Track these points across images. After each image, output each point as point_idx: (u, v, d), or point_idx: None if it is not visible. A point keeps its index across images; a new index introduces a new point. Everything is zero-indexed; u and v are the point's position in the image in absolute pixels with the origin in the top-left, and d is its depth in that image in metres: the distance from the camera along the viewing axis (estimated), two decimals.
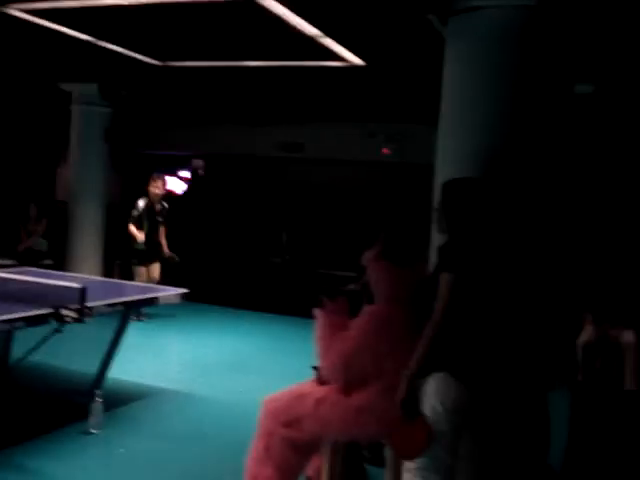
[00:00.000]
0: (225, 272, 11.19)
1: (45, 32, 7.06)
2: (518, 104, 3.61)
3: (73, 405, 5.25)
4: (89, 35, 7.20)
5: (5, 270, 6.70)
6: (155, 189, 8.72)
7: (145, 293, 5.75)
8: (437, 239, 3.42)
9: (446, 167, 3.72)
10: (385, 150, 10.53)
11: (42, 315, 4.39)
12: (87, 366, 5.86)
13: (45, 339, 5.10)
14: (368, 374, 3.55)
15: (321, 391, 3.69)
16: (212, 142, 12.30)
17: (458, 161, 3.65)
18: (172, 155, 13.65)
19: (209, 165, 13.17)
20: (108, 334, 5.80)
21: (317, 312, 3.85)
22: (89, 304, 4.54)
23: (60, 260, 10.18)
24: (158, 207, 8.79)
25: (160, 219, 8.78)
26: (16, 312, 4.27)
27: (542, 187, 3.61)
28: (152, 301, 5.70)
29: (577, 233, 5.81)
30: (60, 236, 10.47)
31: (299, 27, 6.03)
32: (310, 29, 6.08)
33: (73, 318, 4.43)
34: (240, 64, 7.93)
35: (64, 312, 4.43)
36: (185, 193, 12.98)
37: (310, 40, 6.43)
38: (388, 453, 3.69)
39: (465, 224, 3.05)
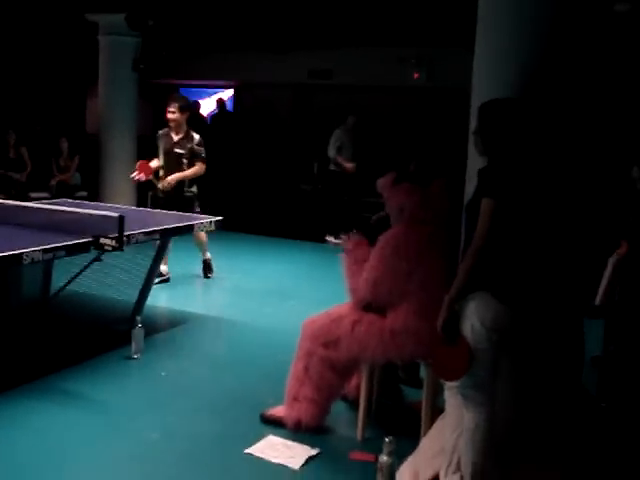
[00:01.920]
0: (257, 201, 11.25)
1: None
2: (556, 23, 3.52)
3: (114, 332, 5.39)
4: None
5: (43, 202, 6.82)
6: (169, 114, 6.94)
7: (181, 222, 5.79)
8: (474, 162, 3.40)
9: (483, 90, 3.66)
10: (416, 75, 10.35)
11: (82, 244, 4.46)
12: (127, 294, 5.99)
13: (85, 267, 5.25)
14: (395, 296, 3.62)
15: (358, 313, 3.75)
16: (241, 70, 12.20)
17: (495, 85, 3.58)
18: (201, 84, 13.61)
19: (238, 93, 13.12)
20: (146, 262, 5.92)
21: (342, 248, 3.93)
22: (127, 232, 4.60)
23: (94, 192, 10.29)
24: (176, 137, 6.96)
25: (180, 151, 6.89)
26: (56, 241, 4.35)
27: (582, 107, 3.54)
28: (187, 229, 5.77)
29: (617, 156, 5.72)
30: (93, 169, 10.55)
31: None
32: None
33: (112, 246, 4.50)
34: None
35: (103, 240, 4.50)
36: (215, 121, 12.97)
37: None
38: (426, 373, 3.76)
39: (505, 146, 3.02)
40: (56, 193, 9.33)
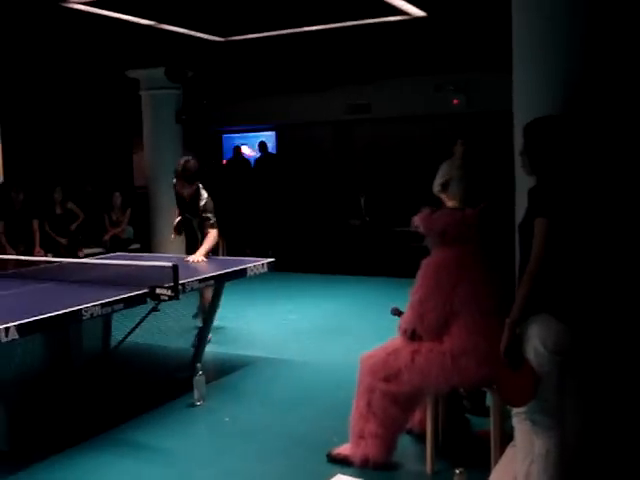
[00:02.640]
0: (306, 239, 11.29)
1: (106, 21, 7.20)
2: (593, 39, 3.49)
3: (176, 380, 5.43)
4: (150, 20, 7.30)
5: (97, 257, 6.96)
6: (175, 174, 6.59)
7: (234, 266, 5.84)
8: (522, 183, 3.37)
9: (525, 110, 3.64)
10: (455, 101, 10.35)
11: (139, 295, 4.52)
12: (186, 342, 6.04)
13: (143, 319, 5.31)
14: (442, 316, 3.61)
15: (415, 343, 3.72)
16: (280, 112, 12.37)
17: (537, 104, 3.56)
18: (243, 129, 13.83)
19: (280, 134, 13.29)
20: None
21: None
22: (182, 281, 4.65)
23: (146, 244, 10.46)
24: (185, 192, 6.54)
25: (189, 216, 6.55)
26: (114, 295, 4.42)
27: (627, 120, 3.49)
28: (241, 273, 5.81)
29: None
30: (143, 221, 10.74)
31: None
32: None
33: (168, 296, 4.54)
34: (300, 30, 7.91)
35: (160, 291, 4.55)
36: (259, 164, 13.14)
37: None
38: (492, 400, 3.69)
39: (553, 164, 2.99)
40: (110, 247, 9.50)
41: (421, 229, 3.83)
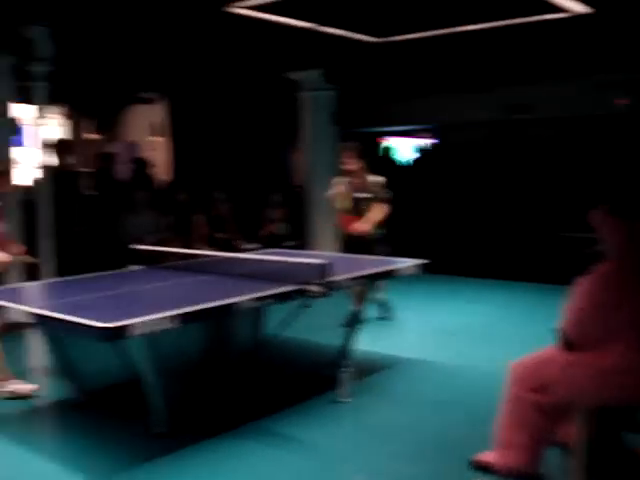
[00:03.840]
0: (460, 241, 11.12)
1: (267, 25, 7.43)
2: None
3: (322, 376, 5.54)
4: (309, 22, 7.47)
5: (252, 252, 7.23)
6: (345, 164, 7.21)
7: (385, 266, 5.87)
8: None
9: None
10: (621, 101, 9.83)
11: (290, 291, 4.65)
12: (334, 339, 6.14)
13: (294, 314, 5.45)
14: (602, 332, 3.43)
15: (570, 354, 3.58)
16: (439, 113, 12.24)
17: None
18: (400, 130, 13.82)
19: (438, 135, 13.18)
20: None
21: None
22: (332, 279, 4.73)
23: (301, 241, 10.73)
24: (357, 182, 7.14)
25: (363, 195, 7.04)
26: (265, 290, 4.57)
27: None
28: (392, 273, 5.83)
29: None
30: (299, 219, 11.01)
31: None
32: None
33: (318, 293, 4.64)
34: (458, 30, 7.82)
35: (310, 288, 4.66)
36: (417, 166, 13.12)
37: None
38: None
39: None
40: (267, 243, 9.81)
41: (596, 230, 3.67)
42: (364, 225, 6.95)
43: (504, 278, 9.64)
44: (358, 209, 7.07)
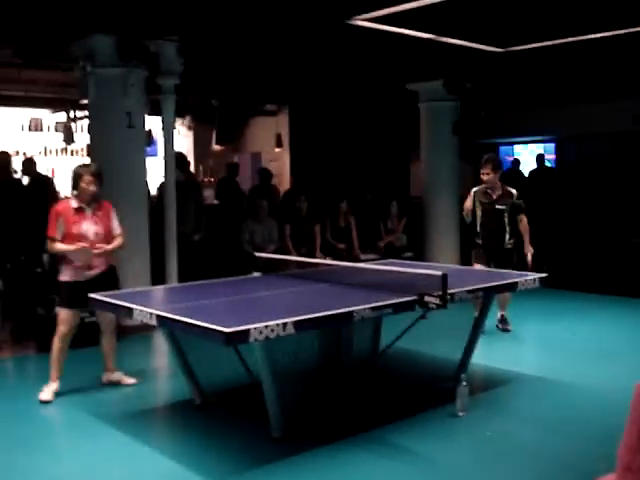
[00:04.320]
0: (583, 256, 10.75)
1: (388, 37, 7.46)
2: None
3: (440, 389, 5.48)
4: (430, 33, 7.44)
5: (372, 262, 7.25)
6: (484, 175, 7.22)
7: (504, 279, 5.76)
8: None
9: None
10: None
11: (407, 302, 4.63)
12: (451, 351, 6.07)
13: (412, 325, 5.43)
14: None
15: None
16: (561, 123, 11.95)
17: None
18: (521, 141, 13.54)
19: (560, 147, 12.84)
20: (470, 320, 5.97)
21: None
22: (451, 291, 4.68)
23: (419, 252, 10.67)
24: (495, 194, 7.23)
25: (501, 207, 7.16)
26: (384, 299, 4.58)
27: None
28: (511, 287, 5.71)
29: None
30: (418, 230, 10.97)
31: None
32: None
33: (436, 304, 4.59)
34: (583, 38, 7.58)
35: (428, 299, 4.62)
36: (535, 177, 12.78)
37: None
38: None
39: None
40: (385, 254, 9.81)
41: None
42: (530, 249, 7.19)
43: (627, 295, 9.22)
44: (496, 220, 7.19)
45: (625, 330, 7.74)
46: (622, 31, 7.30)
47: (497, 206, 7.16)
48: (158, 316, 4.28)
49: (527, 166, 13.49)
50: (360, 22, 6.89)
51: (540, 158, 12.87)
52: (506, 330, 7.45)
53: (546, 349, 7.08)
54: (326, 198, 10.56)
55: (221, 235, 9.83)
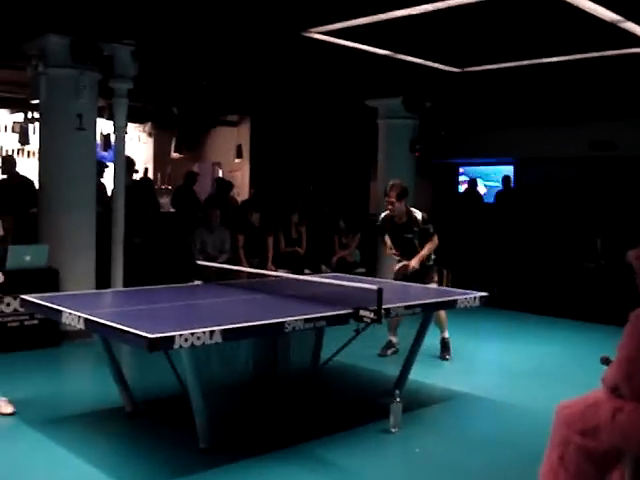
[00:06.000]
0: (536, 278, 10.83)
1: (345, 51, 7.47)
2: None
3: (375, 404, 5.44)
4: (387, 49, 7.47)
5: (318, 276, 7.23)
6: (386, 203, 7.02)
7: (443, 296, 5.78)
8: None
9: None
10: None
11: (342, 315, 4.61)
12: (391, 367, 6.06)
13: (352, 339, 5.40)
14: None
15: (618, 400, 3.40)
16: (521, 146, 12.08)
17: None
18: (481, 162, 13.66)
19: (519, 169, 12.98)
20: (410, 337, 5.96)
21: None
22: (386, 305, 4.67)
23: (372, 269, 10.66)
24: (400, 222, 6.96)
25: (408, 236, 6.91)
26: (320, 312, 4.55)
27: None
28: (450, 304, 5.73)
29: None
30: (372, 247, 10.96)
31: (596, 14, 5.66)
32: (609, 14, 5.68)
33: (371, 319, 4.58)
34: (538, 61, 7.67)
35: (363, 313, 4.61)
36: (500, 198, 12.92)
37: (609, 26, 6.00)
38: None
39: None
40: (336, 269, 9.79)
41: (635, 267, 3.51)
42: (415, 262, 6.83)
43: (578, 319, 9.32)
44: (408, 246, 6.95)
45: (568, 352, 7.81)
46: (579, 56, 7.39)
47: (405, 235, 6.94)
48: (86, 320, 4.21)
49: (486, 188, 13.63)
50: (316, 35, 6.89)
51: (506, 180, 12.99)
52: (444, 359, 7.14)
53: (485, 368, 7.13)
54: (282, 210, 10.54)
55: (174, 243, 9.75)
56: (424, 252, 6.87)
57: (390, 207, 6.94)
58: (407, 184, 10.55)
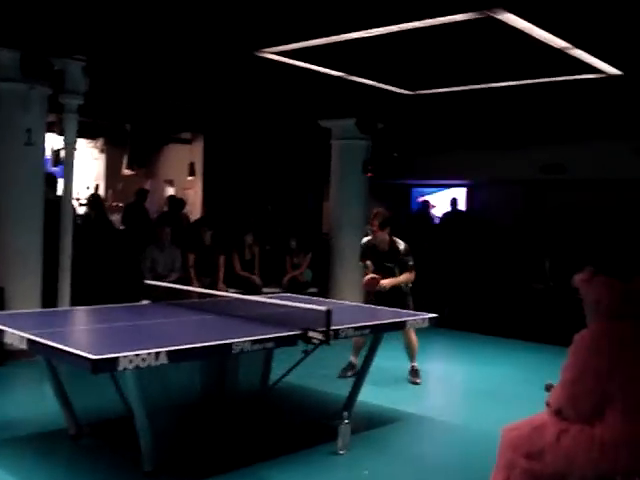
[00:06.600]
0: (486, 299, 10.95)
1: (299, 72, 7.50)
2: None
3: (324, 426, 5.41)
4: (340, 71, 7.52)
5: (269, 296, 7.18)
6: (369, 231, 7.06)
7: (393, 318, 5.78)
8: None
9: None
10: None
11: (290, 336, 4.58)
12: (343, 388, 6.03)
13: (301, 360, 5.36)
14: (594, 400, 3.25)
15: (562, 422, 3.42)
16: (472, 168, 12.23)
17: None
18: (433, 183, 13.81)
19: (471, 191, 13.15)
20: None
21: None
22: (335, 327, 4.65)
23: (324, 289, 10.65)
24: (382, 251, 6.94)
25: (389, 264, 6.90)
26: (269, 333, 4.51)
27: None
28: (399, 325, 5.73)
29: None
30: (324, 266, 10.96)
31: (546, 41, 5.79)
32: (558, 42, 5.81)
33: (320, 340, 4.57)
34: (490, 86, 7.80)
35: (311, 334, 4.59)
36: (447, 220, 13.05)
37: (559, 53, 6.14)
38: None
39: None
40: (288, 289, 9.75)
41: (581, 290, 3.56)
42: (386, 282, 6.76)
43: (528, 339, 9.43)
44: (388, 273, 6.88)
45: (518, 373, 7.87)
46: (530, 81, 7.54)
47: (385, 263, 6.90)
48: (28, 340, 4.10)
49: (439, 209, 13.78)
50: (269, 55, 6.90)
51: (454, 202, 13.16)
52: (415, 383, 7.10)
53: (435, 390, 7.14)
54: (235, 229, 10.48)
55: (124, 261, 9.61)
56: (400, 279, 6.83)
57: (372, 235, 6.95)
58: (360, 205, 10.75)
